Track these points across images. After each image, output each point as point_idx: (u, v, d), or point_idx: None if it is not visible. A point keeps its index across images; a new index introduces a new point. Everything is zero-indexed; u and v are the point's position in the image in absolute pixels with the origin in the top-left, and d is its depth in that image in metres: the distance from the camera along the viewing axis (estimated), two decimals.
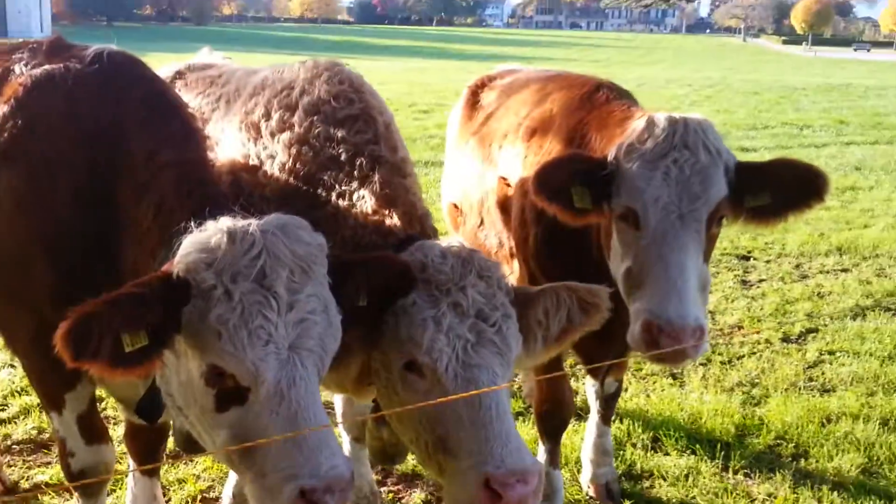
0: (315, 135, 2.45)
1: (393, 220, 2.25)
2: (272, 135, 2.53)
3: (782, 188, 2.46)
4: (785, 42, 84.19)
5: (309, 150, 2.45)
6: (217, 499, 3.31)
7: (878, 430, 3.85)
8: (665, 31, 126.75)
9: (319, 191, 2.40)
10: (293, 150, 2.47)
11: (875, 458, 3.64)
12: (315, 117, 2.48)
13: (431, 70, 31.53)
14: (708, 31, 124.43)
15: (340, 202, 2.35)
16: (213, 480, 3.42)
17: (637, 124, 2.44)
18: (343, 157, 2.40)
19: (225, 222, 1.77)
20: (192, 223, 1.79)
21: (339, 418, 3.24)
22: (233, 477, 3.06)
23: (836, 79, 30.88)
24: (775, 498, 3.34)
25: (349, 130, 2.44)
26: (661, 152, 2.35)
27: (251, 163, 2.53)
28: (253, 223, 1.77)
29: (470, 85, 3.93)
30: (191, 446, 1.99)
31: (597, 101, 2.98)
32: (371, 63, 29.71)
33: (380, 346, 2.00)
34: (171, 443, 3.26)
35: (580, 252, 2.74)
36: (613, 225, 2.48)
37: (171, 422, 2.08)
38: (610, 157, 2.45)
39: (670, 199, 2.32)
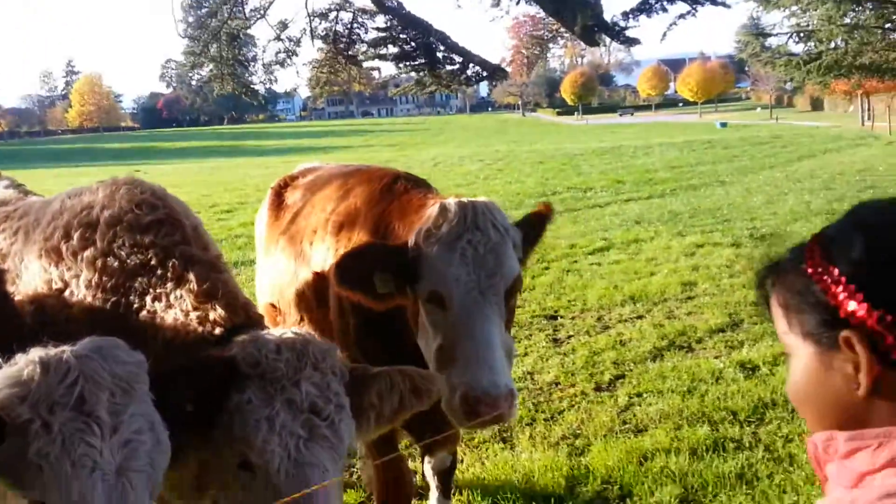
0: (119, 244, 2.41)
1: (217, 312, 2.23)
2: (74, 254, 2.46)
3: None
4: (559, 113, 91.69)
5: (115, 260, 2.40)
6: None
7: (688, 460, 4.22)
8: (452, 112, 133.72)
9: (132, 298, 2.34)
10: (98, 264, 2.40)
11: (690, 486, 3.98)
12: (118, 227, 2.45)
13: (228, 168, 31.17)
14: (490, 108, 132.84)
15: (157, 305, 2.31)
16: None
17: (431, 211, 2.62)
18: (153, 261, 2.37)
19: (36, 352, 1.70)
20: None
21: None
22: None
23: (608, 142, 33.99)
24: None
25: (156, 234, 2.43)
26: (455, 235, 2.53)
27: (55, 287, 2.44)
28: (66, 350, 1.72)
29: (273, 186, 4.00)
30: None
31: (396, 191, 3.16)
32: (164, 167, 28.88)
33: (215, 445, 1.97)
34: None
35: (398, 335, 2.85)
36: (421, 307, 2.61)
37: None
38: (410, 243, 2.60)
39: (469, 277, 2.50)
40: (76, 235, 2.47)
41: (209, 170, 31.16)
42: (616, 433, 4.68)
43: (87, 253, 2.42)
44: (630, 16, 7.04)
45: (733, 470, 4.05)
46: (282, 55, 9.93)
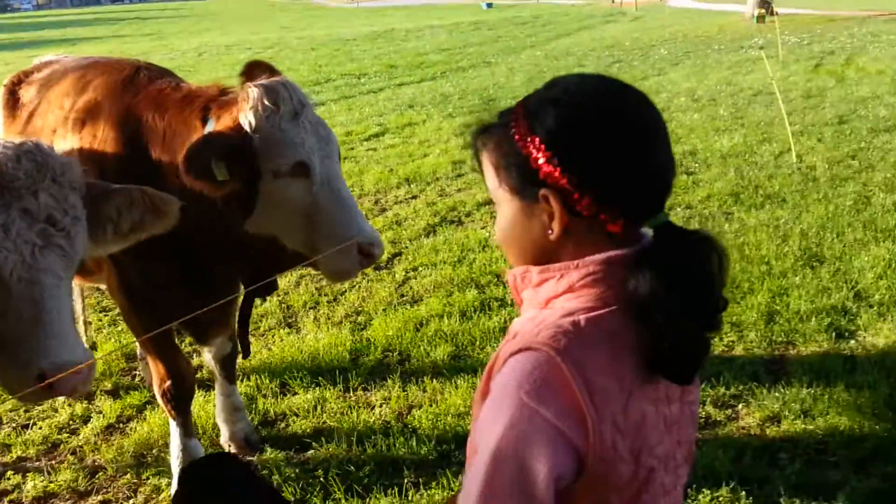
0: None
1: None
2: None
3: None
4: None
5: None
6: None
7: (458, 321, 4.62)
8: None
9: None
10: None
11: (460, 343, 4.39)
12: None
13: None
14: None
15: None
16: None
17: (254, 94, 2.60)
18: None
19: None
20: None
21: None
22: None
23: (379, 26, 33.57)
24: (389, 400, 3.88)
25: None
26: (294, 111, 2.64)
27: None
28: None
29: (6, 83, 3.66)
30: None
31: (139, 83, 3.05)
32: None
33: None
34: None
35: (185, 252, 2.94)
36: (272, 186, 2.64)
37: None
38: (246, 126, 2.60)
39: (320, 147, 2.67)
40: None
41: None
42: (394, 306, 4.98)
43: None
44: None
45: (497, 325, 4.50)
46: None
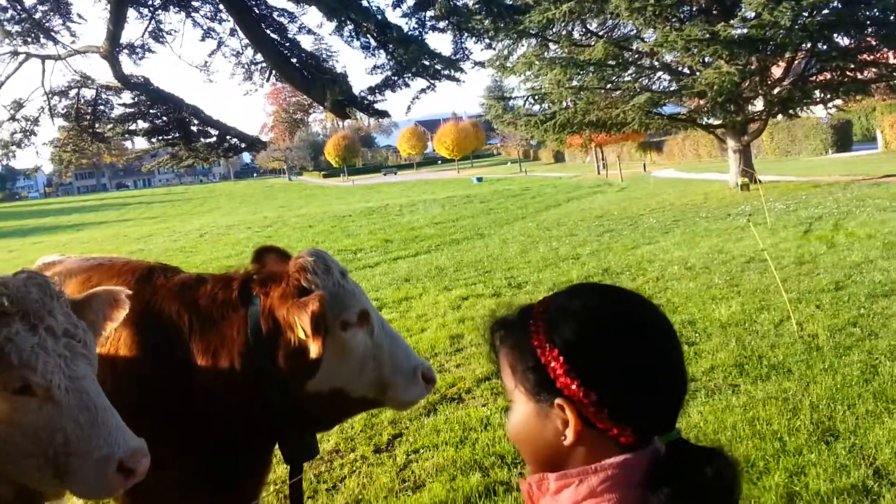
0: None
1: None
2: None
3: None
4: (325, 176, 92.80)
5: None
6: None
7: None
8: (215, 180, 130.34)
9: None
10: None
11: None
12: None
13: None
14: (255, 174, 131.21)
15: None
16: None
17: (308, 261, 2.84)
18: None
19: None
20: None
21: None
22: None
23: (374, 202, 34.90)
24: None
25: None
26: (341, 271, 2.91)
27: None
28: None
29: None
30: None
31: (156, 281, 3.14)
32: None
33: None
34: None
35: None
36: (342, 336, 2.81)
37: None
38: (315, 289, 2.80)
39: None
40: None
41: None
42: (396, 493, 4.83)
43: None
44: (376, 91, 7.47)
45: None
46: (18, 135, 9.24)
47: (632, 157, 52.30)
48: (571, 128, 23.96)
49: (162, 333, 2.99)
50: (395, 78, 7.44)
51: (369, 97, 7.52)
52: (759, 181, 20.92)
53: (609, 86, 23.74)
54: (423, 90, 7.64)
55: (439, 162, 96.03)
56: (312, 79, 7.15)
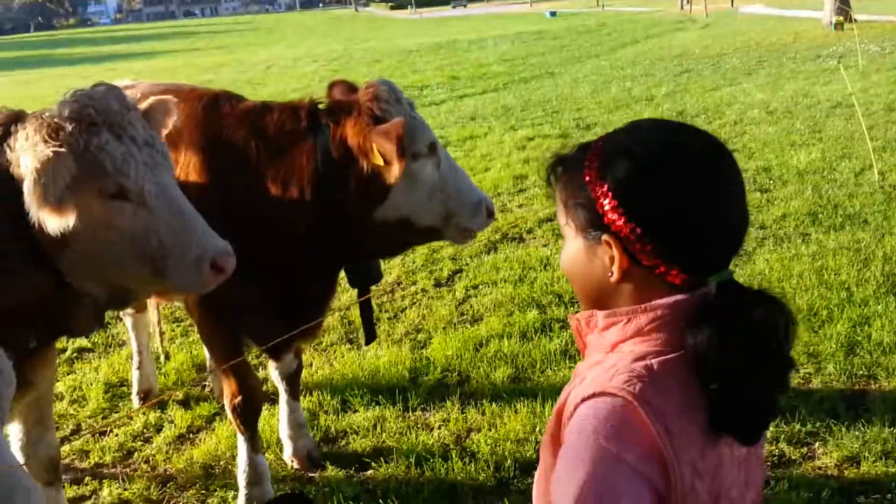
0: None
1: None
2: None
3: None
4: (392, 7, 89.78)
5: None
6: None
7: (518, 342, 4.62)
8: (281, 10, 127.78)
9: None
10: None
11: (520, 365, 4.39)
12: None
13: (40, 80, 28.51)
14: (321, 4, 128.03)
15: None
16: None
17: (382, 90, 2.90)
18: None
19: None
20: None
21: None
22: None
23: (443, 37, 33.83)
24: (448, 422, 3.91)
25: None
26: (409, 102, 2.99)
27: None
28: None
29: None
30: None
31: (222, 108, 3.18)
32: None
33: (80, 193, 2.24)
34: None
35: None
36: (410, 169, 2.87)
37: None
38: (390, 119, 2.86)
39: None
40: None
41: (18, 83, 28.40)
42: (454, 325, 5.01)
43: None
44: None
45: (558, 347, 4.49)
46: None
47: None
48: None
49: (230, 160, 3.06)
50: None
51: None
52: (855, 20, 19.41)
53: None
54: None
55: None
56: None
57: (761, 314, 1.21)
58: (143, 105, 2.52)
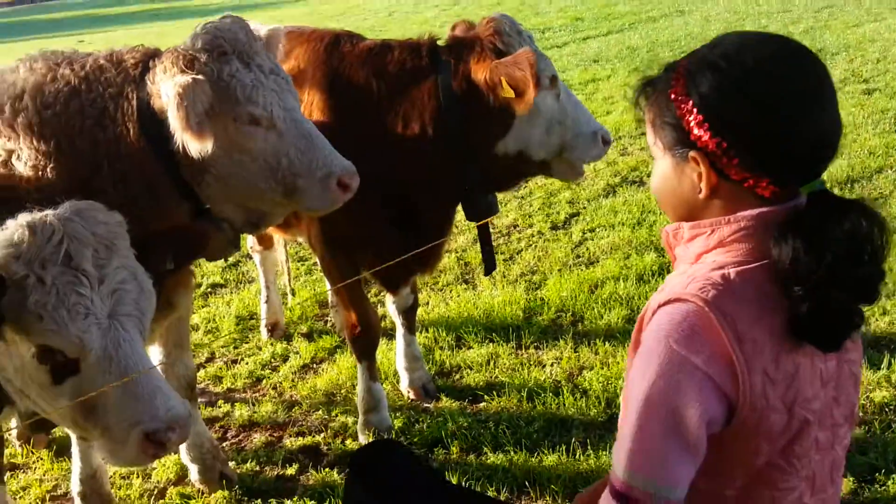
0: (46, 104, 2.51)
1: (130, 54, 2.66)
2: (11, 126, 2.54)
3: None
4: None
5: (47, 117, 2.51)
6: (65, 494, 3.39)
7: (635, 285, 4.58)
8: None
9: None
10: (34, 128, 2.50)
11: (636, 308, 4.35)
12: (43, 90, 2.53)
13: (176, 32, 29.79)
14: None
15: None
16: (56, 479, 3.50)
17: (504, 24, 2.99)
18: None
19: (24, 217, 1.92)
20: None
21: None
22: (76, 469, 3.16)
23: None
24: (561, 360, 3.95)
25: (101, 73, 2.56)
26: (529, 36, 3.05)
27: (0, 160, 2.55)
28: (49, 213, 1.93)
29: None
30: (38, 427, 2.14)
31: (343, 48, 3.28)
32: (107, 34, 27.62)
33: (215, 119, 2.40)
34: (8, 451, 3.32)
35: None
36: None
37: (17, 411, 2.20)
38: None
39: None
40: (8, 108, 2.56)
41: (156, 35, 29.82)
42: (570, 267, 5.01)
43: (21, 119, 2.53)
44: None
45: None
46: None
47: None
48: None
49: (352, 98, 3.16)
50: None
51: None
52: None
53: None
54: None
55: None
56: None
57: (851, 224, 1.20)
58: (262, 36, 2.64)
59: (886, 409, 3.30)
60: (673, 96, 1.32)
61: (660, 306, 1.30)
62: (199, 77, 2.35)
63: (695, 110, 1.27)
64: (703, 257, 1.34)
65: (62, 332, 1.83)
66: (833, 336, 1.24)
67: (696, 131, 1.27)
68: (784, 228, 1.23)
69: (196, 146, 2.35)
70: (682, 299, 1.26)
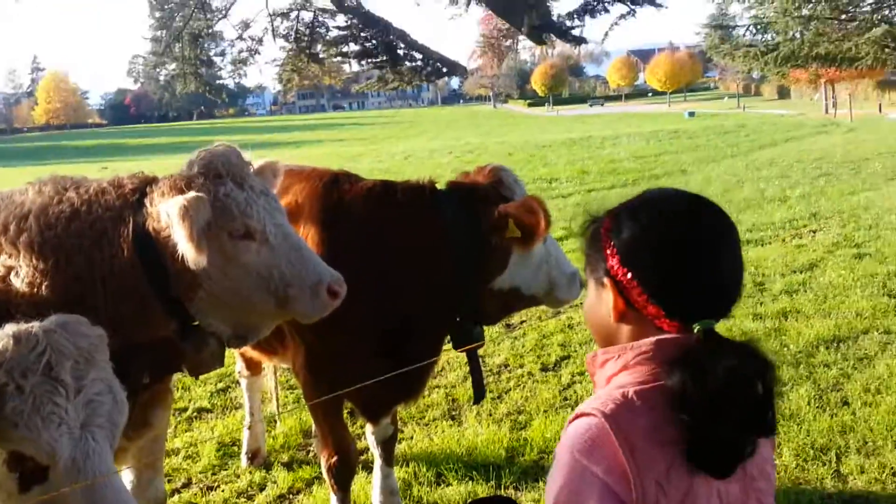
0: (49, 226, 2.66)
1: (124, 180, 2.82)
2: (12, 243, 2.69)
3: None
4: (530, 104, 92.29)
5: (48, 238, 2.64)
6: None
7: None
8: (423, 105, 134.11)
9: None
10: (35, 247, 2.63)
11: None
12: (48, 213, 2.69)
13: None
14: (461, 101, 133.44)
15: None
16: None
17: (506, 173, 3.32)
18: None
19: (10, 327, 2.00)
20: None
21: None
22: None
23: (577, 133, 34.40)
24: (539, 502, 3.89)
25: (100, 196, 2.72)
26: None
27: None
28: (35, 325, 2.01)
29: None
30: None
31: (342, 187, 3.47)
32: (131, 163, 28.74)
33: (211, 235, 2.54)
34: None
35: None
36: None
37: None
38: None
39: None
40: (12, 227, 2.70)
41: (178, 166, 31.04)
42: (556, 409, 5.01)
43: (23, 238, 2.68)
44: (574, 16, 7.36)
45: None
46: (244, 54, 10.13)
47: (867, 97, 47.23)
48: (796, 61, 21.77)
49: (350, 233, 3.32)
50: (594, 3, 7.28)
51: (567, 23, 7.44)
52: None
53: (844, 16, 21.41)
54: (622, 16, 7.42)
55: (650, 94, 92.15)
56: (512, 3, 7.18)
57: (734, 363, 1.33)
58: (256, 165, 2.84)
59: None
60: (602, 233, 1.49)
61: (570, 422, 1.40)
62: (201, 194, 2.53)
63: (614, 248, 1.46)
64: (613, 379, 1.47)
65: (35, 438, 1.88)
66: (720, 463, 1.32)
67: (610, 261, 1.46)
68: (674, 360, 1.36)
69: (196, 258, 2.49)
70: (585, 414, 1.39)
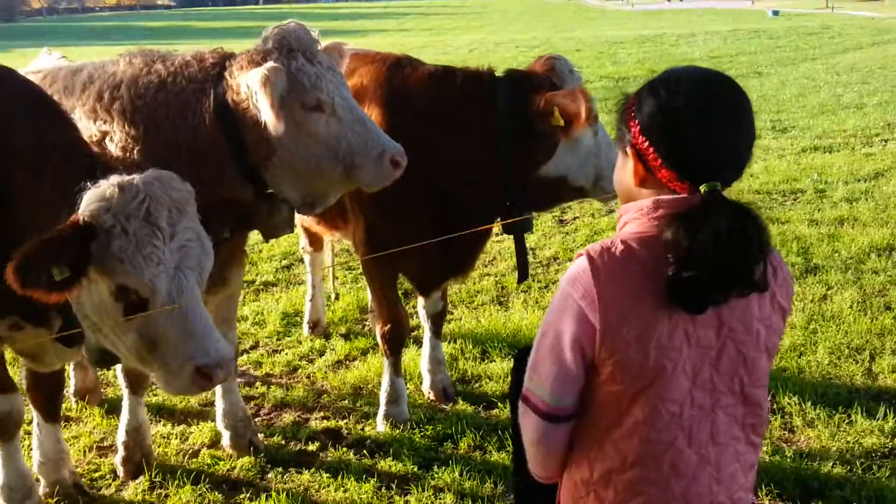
0: (140, 94, 2.96)
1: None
2: (107, 110, 2.99)
3: None
4: None
5: (139, 104, 2.95)
6: (110, 446, 3.76)
7: None
8: None
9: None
10: (126, 114, 2.94)
11: None
12: (138, 82, 2.99)
13: None
14: None
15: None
16: (104, 433, 3.87)
17: (560, 62, 3.44)
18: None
19: (114, 178, 2.30)
20: (88, 183, 2.30)
21: None
22: (123, 422, 3.53)
23: (651, 30, 33.06)
24: None
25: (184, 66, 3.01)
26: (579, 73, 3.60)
27: (94, 140, 2.98)
28: (136, 176, 2.31)
29: None
30: (103, 361, 2.50)
31: (404, 70, 3.63)
32: (199, 46, 28.84)
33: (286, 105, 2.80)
34: (65, 405, 3.70)
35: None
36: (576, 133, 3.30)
37: (85, 345, 2.55)
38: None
39: None
40: (106, 95, 3.00)
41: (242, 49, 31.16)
42: None
43: (116, 106, 2.96)
44: None
45: None
46: None
47: None
48: None
49: (411, 115, 3.49)
50: None
51: None
52: None
53: None
54: None
55: None
56: None
57: (727, 220, 1.51)
58: (322, 45, 3.03)
59: (872, 455, 3.43)
60: (628, 108, 1.69)
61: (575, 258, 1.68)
62: (278, 65, 2.75)
63: (636, 121, 1.64)
64: (622, 230, 1.68)
65: (138, 274, 2.19)
66: (690, 301, 1.54)
67: (633, 132, 1.64)
68: (676, 214, 1.55)
69: (275, 124, 2.75)
70: (582, 253, 1.63)
